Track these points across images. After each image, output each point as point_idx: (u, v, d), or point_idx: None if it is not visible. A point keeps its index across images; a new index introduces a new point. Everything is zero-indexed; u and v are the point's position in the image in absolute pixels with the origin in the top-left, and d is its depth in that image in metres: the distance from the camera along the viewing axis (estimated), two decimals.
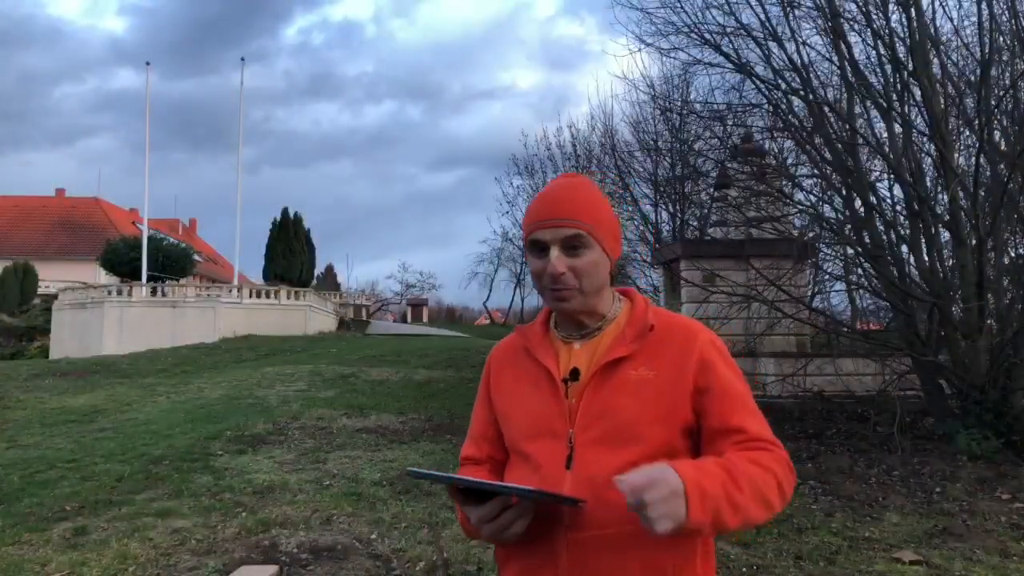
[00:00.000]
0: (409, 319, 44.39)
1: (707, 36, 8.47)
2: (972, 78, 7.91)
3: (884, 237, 8.05)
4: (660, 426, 1.34)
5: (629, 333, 1.41)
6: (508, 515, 1.28)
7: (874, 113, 8.51)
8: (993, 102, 7.34)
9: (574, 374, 1.41)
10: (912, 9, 7.54)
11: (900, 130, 7.84)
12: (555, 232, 1.38)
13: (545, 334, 1.50)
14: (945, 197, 7.68)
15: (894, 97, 7.83)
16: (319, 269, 43.35)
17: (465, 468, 1.55)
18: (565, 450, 1.35)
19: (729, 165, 10.49)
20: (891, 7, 7.82)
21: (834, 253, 9.85)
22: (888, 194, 8.56)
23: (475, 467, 1.54)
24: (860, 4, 7.88)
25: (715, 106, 9.91)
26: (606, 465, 1.30)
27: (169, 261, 29.43)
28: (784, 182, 9.67)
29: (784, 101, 8.45)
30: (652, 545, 1.27)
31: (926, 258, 7.77)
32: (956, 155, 8.02)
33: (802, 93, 8.06)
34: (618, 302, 1.48)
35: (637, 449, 1.32)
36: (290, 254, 35.26)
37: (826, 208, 9.44)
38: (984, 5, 7.26)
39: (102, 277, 32.25)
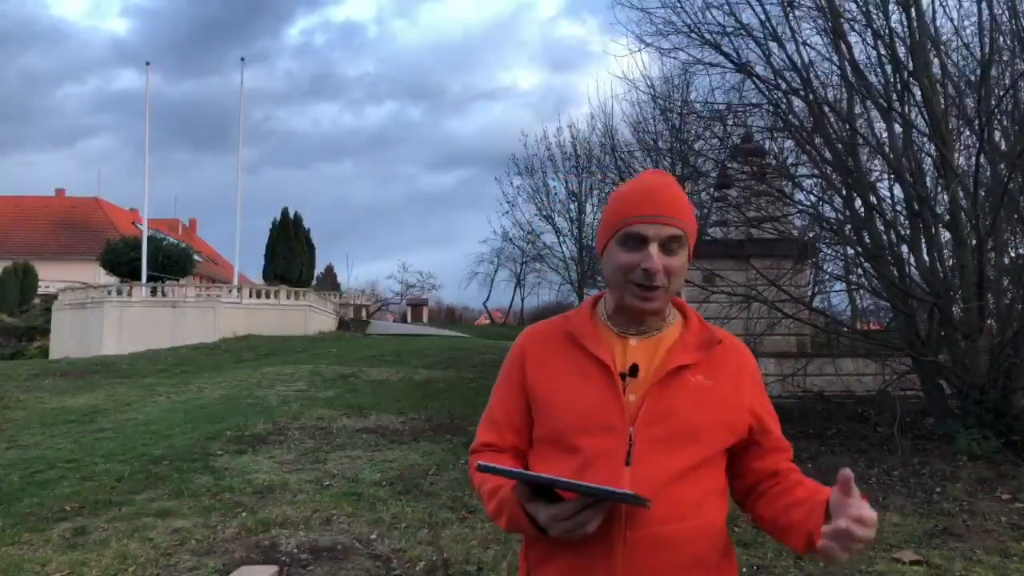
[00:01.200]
0: (409, 319, 44.39)
1: (707, 36, 8.47)
2: (972, 78, 7.91)
3: (884, 237, 8.05)
4: (716, 433, 1.40)
5: (692, 341, 1.44)
6: (586, 514, 1.25)
7: (874, 113, 8.50)
8: (993, 102, 7.33)
9: (633, 370, 1.39)
10: (912, 9, 7.53)
11: (900, 130, 7.84)
12: (659, 229, 1.36)
13: (594, 325, 1.47)
14: (945, 197, 7.68)
15: (894, 97, 7.83)
16: (319, 269, 43.35)
17: (484, 455, 1.49)
18: (623, 446, 1.34)
19: (729, 165, 10.47)
20: (891, 7, 7.82)
21: (834, 253, 9.86)
22: (888, 194, 8.58)
23: (496, 455, 1.49)
24: (860, 4, 7.88)
25: (715, 106, 9.91)
26: (666, 464, 1.34)
27: (169, 261, 29.44)
28: (784, 182, 9.65)
29: (784, 101, 8.45)
30: (702, 541, 1.36)
31: (926, 258, 7.76)
32: (956, 155, 8.02)
33: (802, 93, 8.06)
34: (671, 305, 1.49)
35: (695, 452, 1.36)
36: (290, 254, 35.24)
37: (826, 208, 9.44)
38: (984, 5, 7.26)
39: (102, 277, 32.23)
